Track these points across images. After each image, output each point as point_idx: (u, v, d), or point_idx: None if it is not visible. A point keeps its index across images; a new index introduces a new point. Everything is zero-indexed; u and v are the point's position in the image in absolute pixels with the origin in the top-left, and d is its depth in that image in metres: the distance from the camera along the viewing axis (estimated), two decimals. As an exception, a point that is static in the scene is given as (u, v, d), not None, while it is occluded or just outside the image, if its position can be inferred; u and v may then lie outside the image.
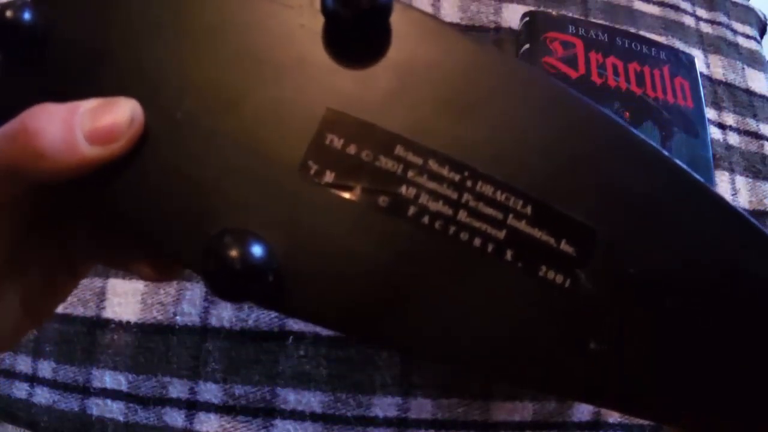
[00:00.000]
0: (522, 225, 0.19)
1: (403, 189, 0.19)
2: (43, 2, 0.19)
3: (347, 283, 0.19)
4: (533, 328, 0.19)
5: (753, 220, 0.21)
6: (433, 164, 0.19)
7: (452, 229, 0.19)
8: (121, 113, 0.18)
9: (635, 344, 0.20)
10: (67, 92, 0.18)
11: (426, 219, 0.19)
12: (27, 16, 0.18)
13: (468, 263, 0.19)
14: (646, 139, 0.21)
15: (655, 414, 0.20)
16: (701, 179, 0.21)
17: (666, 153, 0.21)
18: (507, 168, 0.19)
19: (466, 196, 0.19)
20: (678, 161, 0.21)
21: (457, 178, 0.19)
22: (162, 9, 0.19)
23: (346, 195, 0.19)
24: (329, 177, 0.19)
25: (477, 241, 0.19)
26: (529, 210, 0.19)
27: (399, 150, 0.19)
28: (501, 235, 0.19)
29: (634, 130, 0.21)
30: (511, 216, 0.19)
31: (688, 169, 0.21)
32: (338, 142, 0.19)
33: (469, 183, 0.19)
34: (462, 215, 0.19)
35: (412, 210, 0.19)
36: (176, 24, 0.19)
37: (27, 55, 0.19)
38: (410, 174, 0.19)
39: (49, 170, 0.17)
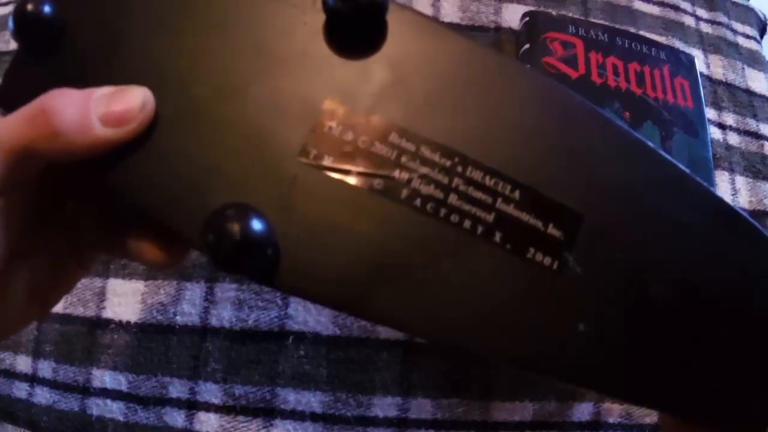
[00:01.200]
0: (510, 209, 0.20)
1: (397, 173, 0.20)
2: None
3: (342, 261, 0.19)
4: (522, 308, 0.20)
5: (738, 209, 0.21)
6: (425, 150, 0.20)
7: (443, 211, 0.20)
8: (133, 99, 0.19)
9: (623, 328, 0.20)
10: (82, 81, 0.19)
11: (418, 201, 0.19)
12: (46, 8, 0.19)
13: (458, 244, 0.20)
14: (631, 131, 0.21)
15: (641, 399, 0.20)
16: (687, 170, 0.21)
17: (651, 144, 0.21)
18: (496, 155, 0.20)
19: (456, 181, 0.20)
20: (663, 152, 0.21)
21: (448, 163, 0.20)
22: (172, 5, 0.20)
23: (343, 178, 0.19)
24: (327, 161, 0.19)
25: (467, 223, 0.20)
26: (517, 195, 0.20)
27: (393, 137, 0.20)
28: (490, 218, 0.20)
29: (619, 121, 0.21)
30: (499, 200, 0.20)
31: (674, 161, 0.21)
32: (336, 129, 0.20)
33: (459, 168, 0.20)
34: (452, 198, 0.20)
35: (405, 193, 0.20)
36: (186, 19, 0.20)
37: (45, 45, 0.20)
38: (404, 159, 0.20)
39: (64, 149, 0.18)
